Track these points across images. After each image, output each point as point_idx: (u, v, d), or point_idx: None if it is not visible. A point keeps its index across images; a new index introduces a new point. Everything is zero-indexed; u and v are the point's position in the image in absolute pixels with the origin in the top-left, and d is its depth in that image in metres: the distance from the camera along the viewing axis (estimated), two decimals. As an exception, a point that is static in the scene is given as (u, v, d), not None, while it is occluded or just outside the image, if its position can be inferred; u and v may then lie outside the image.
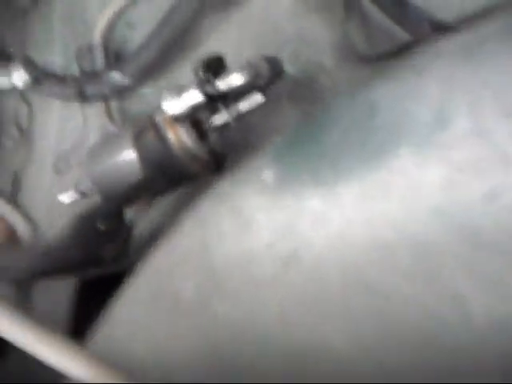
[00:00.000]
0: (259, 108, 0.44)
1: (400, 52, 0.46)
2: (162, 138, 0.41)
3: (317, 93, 0.49)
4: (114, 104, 0.62)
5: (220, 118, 0.40)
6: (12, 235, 0.42)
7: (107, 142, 0.45)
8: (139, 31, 0.62)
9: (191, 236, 0.26)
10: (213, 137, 0.44)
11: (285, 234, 0.22)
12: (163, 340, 0.25)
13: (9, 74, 0.55)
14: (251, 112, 0.41)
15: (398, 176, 0.20)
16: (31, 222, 0.56)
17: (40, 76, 0.61)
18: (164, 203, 0.58)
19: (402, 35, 0.45)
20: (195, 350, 0.23)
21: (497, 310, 0.18)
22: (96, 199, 0.49)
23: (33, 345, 0.24)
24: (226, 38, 0.51)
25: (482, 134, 0.19)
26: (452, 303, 0.18)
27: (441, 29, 0.43)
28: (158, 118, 0.42)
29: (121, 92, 0.62)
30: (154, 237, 0.63)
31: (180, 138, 0.40)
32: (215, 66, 0.39)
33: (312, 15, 0.49)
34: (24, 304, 0.45)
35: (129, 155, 0.43)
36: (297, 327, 0.21)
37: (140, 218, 0.56)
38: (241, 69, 0.38)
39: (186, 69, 0.59)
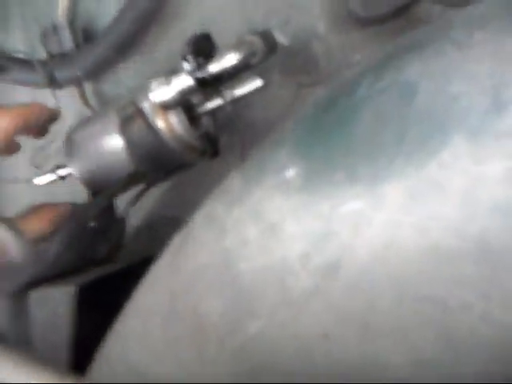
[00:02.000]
0: None
1: (399, 14, 0.43)
2: (151, 127, 0.37)
3: (311, 62, 0.46)
4: (88, 87, 0.58)
5: (214, 103, 0.36)
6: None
7: (91, 132, 0.41)
8: (107, 4, 0.56)
9: (207, 245, 0.23)
10: (205, 120, 0.41)
11: (321, 242, 0.20)
12: (188, 367, 0.22)
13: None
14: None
15: (451, 171, 0.17)
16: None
17: (3, 63, 0.56)
18: (158, 190, 0.55)
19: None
20: (228, 376, 0.21)
21: None
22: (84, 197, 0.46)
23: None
24: (209, 5, 0.47)
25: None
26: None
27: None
28: (145, 105, 0.38)
29: (95, 73, 0.58)
30: (151, 228, 0.60)
31: (171, 126, 0.37)
32: (204, 47, 0.35)
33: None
34: (21, 316, 0.42)
35: (117, 145, 0.40)
36: (342, 345, 0.19)
37: (133, 209, 0.53)
38: (234, 48, 0.34)
39: (165, 43, 0.54)
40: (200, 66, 0.34)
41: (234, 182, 0.25)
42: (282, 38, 0.47)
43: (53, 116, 0.43)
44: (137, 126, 0.37)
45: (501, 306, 0.16)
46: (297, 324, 0.20)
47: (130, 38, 0.54)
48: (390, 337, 0.18)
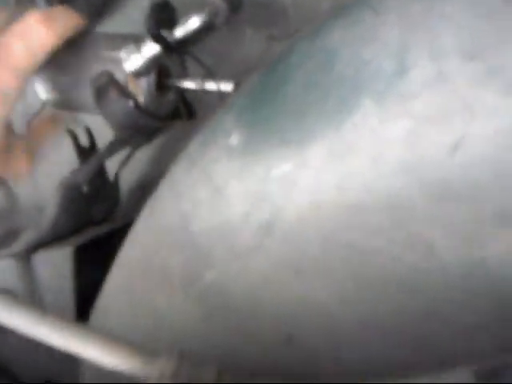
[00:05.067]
0: (223, 38, 0.41)
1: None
2: (124, 96, 0.39)
3: (279, 13, 0.46)
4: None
5: (187, 85, 0.38)
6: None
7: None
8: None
9: (169, 208, 0.26)
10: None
11: (258, 201, 0.22)
12: (161, 312, 0.26)
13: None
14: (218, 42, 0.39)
15: (362, 132, 0.19)
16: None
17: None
18: (148, 150, 0.57)
19: None
20: (191, 319, 0.24)
21: (465, 255, 0.18)
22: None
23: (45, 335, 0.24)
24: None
25: (444, 81, 0.18)
26: (424, 253, 0.19)
27: None
28: (118, 74, 0.39)
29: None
30: (143, 187, 0.63)
31: (142, 92, 0.38)
32: (164, 15, 0.36)
33: None
34: (27, 276, 0.46)
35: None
36: (281, 289, 0.22)
37: (125, 170, 0.56)
38: (196, 11, 0.35)
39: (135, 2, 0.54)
40: (163, 34, 0.35)
41: (191, 145, 0.27)
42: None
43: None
44: (111, 96, 0.39)
45: (405, 247, 0.19)
46: (243, 273, 0.23)
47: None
48: (319, 278, 0.21)
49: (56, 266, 0.44)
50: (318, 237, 0.21)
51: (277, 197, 0.21)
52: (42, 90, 0.42)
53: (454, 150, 0.18)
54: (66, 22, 0.33)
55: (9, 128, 0.40)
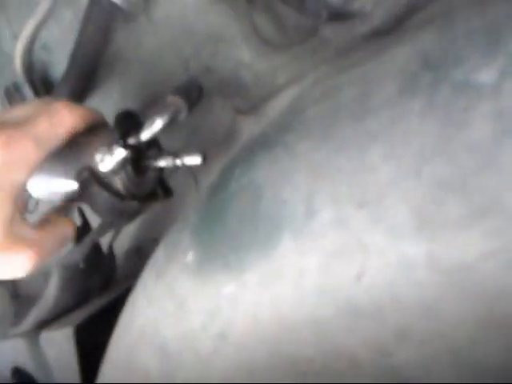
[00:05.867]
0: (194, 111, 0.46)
1: (308, 37, 0.46)
2: (107, 189, 0.43)
3: (242, 89, 0.50)
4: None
5: (160, 163, 0.42)
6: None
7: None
8: (57, 53, 0.61)
9: (143, 313, 0.30)
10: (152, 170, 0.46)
11: (212, 315, 0.26)
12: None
13: None
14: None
15: (285, 262, 0.23)
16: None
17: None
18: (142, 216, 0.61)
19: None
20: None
21: (380, 363, 0.22)
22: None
23: None
24: (145, 47, 0.51)
25: (342, 224, 0.21)
26: (347, 361, 0.22)
27: (339, 17, 0.43)
28: (100, 169, 0.43)
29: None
30: (139, 249, 0.67)
31: (123, 184, 0.43)
32: (129, 121, 0.40)
33: (216, 7, 0.48)
34: (36, 354, 0.50)
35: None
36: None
37: (117, 239, 0.60)
38: (158, 114, 0.39)
39: (115, 84, 0.58)
40: (129, 138, 0.39)
41: (159, 256, 0.31)
42: (215, 68, 0.51)
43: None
44: (94, 189, 0.43)
45: (332, 358, 0.22)
46: (207, 375, 0.26)
47: (84, 83, 0.59)
48: (267, 381, 0.25)
49: (60, 345, 0.48)
50: (263, 346, 0.24)
51: (226, 312, 0.25)
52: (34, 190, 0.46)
53: (358, 278, 0.21)
54: (84, 112, 0.37)
55: None
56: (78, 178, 0.45)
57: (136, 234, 0.64)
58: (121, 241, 0.64)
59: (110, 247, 0.57)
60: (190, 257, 0.28)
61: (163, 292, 0.29)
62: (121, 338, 0.32)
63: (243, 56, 0.48)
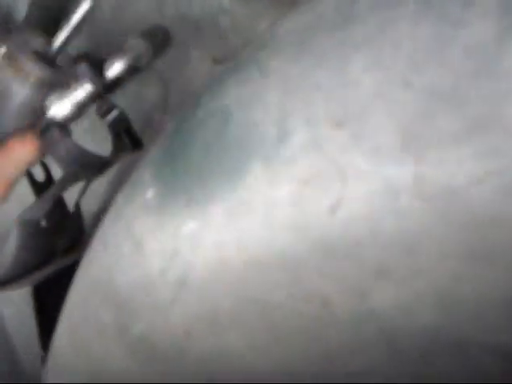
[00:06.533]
0: (171, 60, 0.42)
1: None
2: (68, 136, 0.40)
3: (220, 36, 0.47)
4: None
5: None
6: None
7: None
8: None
9: (97, 263, 0.27)
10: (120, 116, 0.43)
11: (172, 258, 0.23)
12: (99, 360, 0.27)
13: None
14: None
15: (254, 193, 0.20)
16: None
17: None
18: (105, 178, 0.58)
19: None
20: (125, 367, 0.26)
21: (355, 307, 0.19)
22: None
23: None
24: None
25: (318, 147, 0.18)
26: (320, 305, 0.20)
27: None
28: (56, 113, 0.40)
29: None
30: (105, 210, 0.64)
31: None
32: (92, 60, 0.37)
33: None
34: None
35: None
36: (199, 339, 0.23)
37: (87, 199, 0.56)
38: (118, 57, 0.35)
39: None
40: (93, 77, 0.36)
41: (117, 198, 0.28)
42: (192, 14, 0.47)
43: None
44: (55, 137, 0.40)
45: (303, 301, 0.20)
46: (166, 326, 0.24)
47: (47, 23, 0.55)
48: (233, 330, 0.22)
49: (18, 305, 0.45)
50: (228, 291, 0.22)
51: (187, 253, 0.22)
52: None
53: (333, 210, 0.19)
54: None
55: None
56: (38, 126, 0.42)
57: (105, 196, 0.61)
58: (89, 203, 0.61)
59: (77, 206, 0.54)
60: (150, 194, 0.25)
61: (119, 234, 0.26)
62: (75, 291, 0.30)
63: (222, 0, 0.45)
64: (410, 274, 0.18)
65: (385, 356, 0.19)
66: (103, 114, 0.42)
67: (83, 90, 0.37)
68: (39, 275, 0.47)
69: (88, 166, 0.43)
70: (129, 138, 0.43)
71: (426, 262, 0.18)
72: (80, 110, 0.37)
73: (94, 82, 0.37)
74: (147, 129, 0.53)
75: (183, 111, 0.26)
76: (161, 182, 0.25)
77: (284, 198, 0.20)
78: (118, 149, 0.43)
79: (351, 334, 0.20)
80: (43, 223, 0.49)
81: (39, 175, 0.53)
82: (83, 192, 0.52)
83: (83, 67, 0.36)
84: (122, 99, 0.46)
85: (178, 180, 0.24)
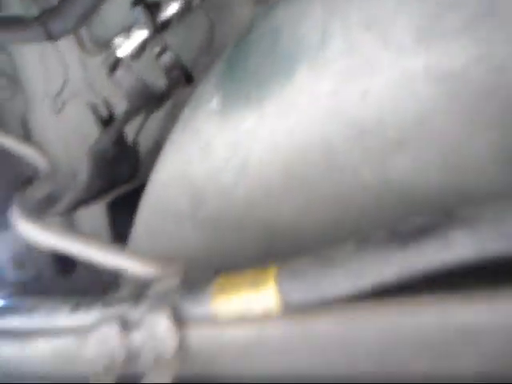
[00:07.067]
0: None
1: None
2: (130, 71, 0.46)
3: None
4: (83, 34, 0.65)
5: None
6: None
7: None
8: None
9: (173, 162, 0.34)
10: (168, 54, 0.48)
11: (234, 149, 0.29)
12: (176, 241, 0.34)
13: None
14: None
15: (300, 90, 0.26)
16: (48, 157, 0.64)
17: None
18: (158, 115, 0.64)
19: None
20: (197, 240, 0.33)
21: (380, 175, 0.25)
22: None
23: (92, 255, 0.32)
24: None
25: (352, 47, 0.24)
26: (350, 174, 0.26)
27: None
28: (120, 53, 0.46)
29: (86, 20, 0.64)
30: (159, 147, 0.71)
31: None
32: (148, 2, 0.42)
33: None
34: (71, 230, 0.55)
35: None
36: (259, 213, 0.29)
37: (141, 135, 0.64)
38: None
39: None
40: (150, 19, 0.41)
41: (185, 111, 0.35)
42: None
43: None
44: (119, 73, 0.46)
45: (339, 171, 0.26)
46: (230, 204, 0.31)
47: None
48: (284, 202, 0.28)
49: (94, 221, 0.53)
50: (278, 172, 0.28)
51: (247, 143, 0.29)
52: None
53: (364, 96, 0.24)
54: None
55: None
56: (105, 63, 0.48)
57: (156, 135, 0.68)
58: (144, 140, 0.68)
59: (135, 140, 0.61)
60: (215, 102, 0.31)
61: (189, 138, 0.33)
62: (153, 186, 0.37)
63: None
64: (422, 145, 0.24)
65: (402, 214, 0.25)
66: (158, 55, 0.48)
67: (140, 32, 0.43)
68: (107, 198, 0.54)
69: (148, 100, 0.50)
70: (181, 73, 0.49)
71: (435, 134, 0.23)
72: (139, 49, 0.43)
73: (148, 26, 0.42)
74: (194, 70, 0.59)
75: (238, 37, 0.32)
76: (223, 90, 0.31)
77: (324, 91, 0.25)
78: (173, 83, 0.49)
79: (375, 199, 0.25)
80: (109, 153, 0.57)
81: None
82: (142, 126, 0.59)
83: (139, 10, 0.42)
84: (171, 41, 0.51)
85: (238, 86, 0.30)
